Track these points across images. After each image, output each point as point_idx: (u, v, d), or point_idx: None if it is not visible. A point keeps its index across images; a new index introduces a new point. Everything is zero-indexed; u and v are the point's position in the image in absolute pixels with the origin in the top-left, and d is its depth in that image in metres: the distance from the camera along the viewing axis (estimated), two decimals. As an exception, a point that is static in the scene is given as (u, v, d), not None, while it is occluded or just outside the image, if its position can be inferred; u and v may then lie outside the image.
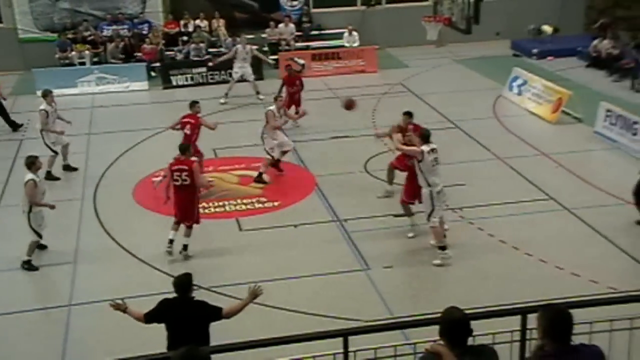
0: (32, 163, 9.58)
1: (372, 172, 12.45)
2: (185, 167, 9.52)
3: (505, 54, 20.85)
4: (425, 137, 9.27)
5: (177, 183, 9.56)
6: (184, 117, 12.11)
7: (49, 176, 12.33)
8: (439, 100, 16.59)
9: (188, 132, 11.85)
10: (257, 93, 17.04)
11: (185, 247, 9.69)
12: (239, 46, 17.28)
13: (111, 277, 9.26)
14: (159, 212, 11.19)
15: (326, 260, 9.58)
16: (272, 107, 12.29)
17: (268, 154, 12.16)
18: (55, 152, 12.61)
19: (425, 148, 9.12)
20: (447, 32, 16.84)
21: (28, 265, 9.50)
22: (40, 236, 9.61)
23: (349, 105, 12.27)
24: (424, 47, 20.00)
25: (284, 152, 12.33)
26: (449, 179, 11.81)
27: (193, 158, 10.35)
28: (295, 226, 10.55)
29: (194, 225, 9.80)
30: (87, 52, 19.44)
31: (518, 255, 9.54)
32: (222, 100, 16.73)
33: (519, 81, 16.57)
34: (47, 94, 12.80)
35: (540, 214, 10.73)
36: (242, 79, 17.18)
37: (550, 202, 11.10)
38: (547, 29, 20.96)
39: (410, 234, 10.07)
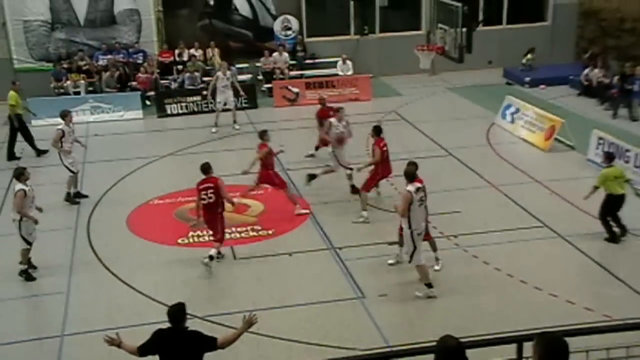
0: (20, 174, 9.85)
1: (367, 200, 12.44)
2: (211, 185, 10.03)
3: (498, 82, 21.10)
4: (410, 176, 9.00)
5: (204, 202, 10.00)
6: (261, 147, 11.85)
7: (69, 198, 12.57)
8: (433, 128, 16.72)
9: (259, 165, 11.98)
10: (234, 122, 16.94)
11: (210, 257, 9.94)
12: (219, 73, 17.22)
13: (105, 306, 9.20)
14: (153, 240, 11.19)
15: (321, 289, 9.55)
16: (332, 120, 12.48)
17: (345, 167, 12.53)
18: (73, 172, 12.70)
19: (411, 188, 8.87)
20: (440, 60, 17.07)
21: (26, 275, 9.61)
22: (30, 244, 9.72)
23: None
24: (417, 75, 20.23)
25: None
26: (443, 206, 11.92)
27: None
28: (290, 254, 10.54)
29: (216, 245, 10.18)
30: (82, 81, 19.55)
31: (513, 282, 9.55)
32: (213, 130, 16.75)
33: (512, 109, 16.73)
34: (66, 114, 12.99)
35: (535, 242, 10.77)
36: (225, 107, 17.02)
37: (545, 230, 11.14)
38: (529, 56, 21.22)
39: (391, 261, 10.00)
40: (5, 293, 9.54)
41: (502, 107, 17.04)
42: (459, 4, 14.69)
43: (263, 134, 12.05)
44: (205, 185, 10.01)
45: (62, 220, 11.94)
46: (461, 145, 15.24)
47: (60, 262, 10.41)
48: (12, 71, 20.00)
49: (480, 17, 19.34)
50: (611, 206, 10.62)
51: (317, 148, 14.47)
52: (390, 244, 10.45)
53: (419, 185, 9.06)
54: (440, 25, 15.92)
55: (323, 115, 13.98)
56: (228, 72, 17.11)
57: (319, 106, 14.80)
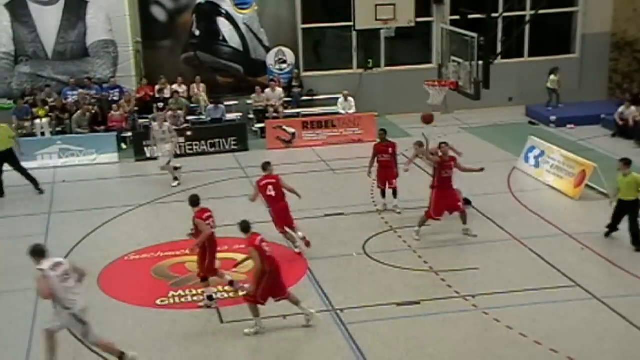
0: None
1: (371, 255, 12.53)
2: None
3: (520, 121, 21.38)
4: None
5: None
6: (261, 180, 12.66)
7: None
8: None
9: (273, 193, 12.52)
10: (175, 179, 16.62)
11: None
12: (154, 124, 17.20)
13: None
14: (128, 301, 11.17)
15: (319, 355, 9.52)
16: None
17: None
18: None
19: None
20: (454, 97, 17.31)
21: None
22: None
23: (428, 119, 14.77)
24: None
25: None
26: (458, 262, 11.98)
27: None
28: (285, 317, 10.52)
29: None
30: (44, 120, 19.59)
31: (541, 351, 9.51)
32: (173, 184, 16.51)
33: (536, 152, 16.90)
34: None
35: (566, 304, 10.77)
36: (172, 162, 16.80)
37: (577, 290, 11.16)
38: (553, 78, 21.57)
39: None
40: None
41: (525, 150, 17.22)
42: (475, 35, 15.04)
43: (266, 166, 12.76)
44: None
45: (22, 279, 11.90)
46: (478, 192, 15.33)
47: (19, 329, 10.35)
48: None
49: (499, 49, 19.72)
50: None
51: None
52: (399, 304, 10.43)
53: None
54: (453, 58, 16.24)
55: (381, 150, 14.65)
56: (165, 125, 16.95)
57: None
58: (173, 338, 10.07)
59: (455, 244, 12.81)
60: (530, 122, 21.34)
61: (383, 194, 14.65)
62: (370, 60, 22.24)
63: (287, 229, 12.69)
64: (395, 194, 14.56)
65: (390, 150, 14.52)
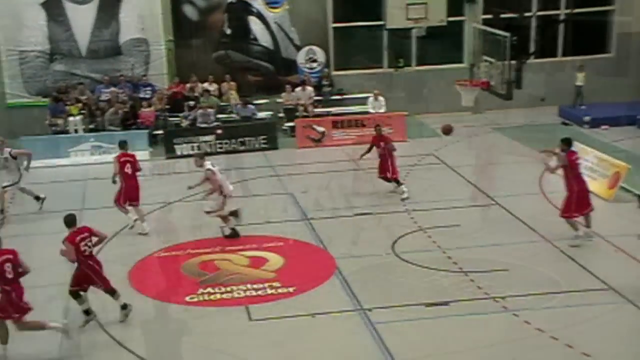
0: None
1: (401, 255, 12.49)
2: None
3: (552, 121, 21.14)
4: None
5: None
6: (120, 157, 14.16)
7: None
8: (477, 174, 16.73)
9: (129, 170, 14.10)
10: (38, 199, 15.51)
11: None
12: None
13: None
14: (158, 297, 11.26)
15: (347, 355, 9.52)
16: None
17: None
18: None
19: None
20: (485, 97, 17.21)
21: None
22: None
23: (447, 130, 14.93)
24: (458, 114, 20.37)
25: None
26: (488, 263, 11.88)
27: None
28: (313, 315, 10.55)
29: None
30: (77, 117, 19.87)
31: (573, 355, 9.39)
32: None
33: (570, 153, 16.68)
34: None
35: (598, 307, 10.62)
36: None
37: (610, 293, 11.00)
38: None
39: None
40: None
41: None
42: (507, 34, 14.93)
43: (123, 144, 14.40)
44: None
45: (55, 276, 12.07)
46: (509, 193, 15.23)
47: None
48: (4, 107, 20.58)
49: (532, 49, 19.54)
50: None
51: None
52: (428, 305, 10.38)
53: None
54: (485, 57, 16.15)
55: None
56: (6, 150, 15.23)
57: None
58: (201, 335, 10.13)
59: (485, 245, 12.71)
60: (564, 123, 21.09)
61: (387, 180, 15.46)
62: (400, 60, 22.16)
63: (129, 207, 13.94)
64: (397, 183, 15.35)
65: (382, 143, 15.39)
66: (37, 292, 10.26)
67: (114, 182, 14.19)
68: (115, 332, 10.25)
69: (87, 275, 10.27)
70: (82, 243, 10.21)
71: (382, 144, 15.45)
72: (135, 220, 13.96)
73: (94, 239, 10.45)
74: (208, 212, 13.42)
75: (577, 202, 12.71)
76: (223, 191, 13.24)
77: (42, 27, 20.88)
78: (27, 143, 18.47)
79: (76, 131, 19.83)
